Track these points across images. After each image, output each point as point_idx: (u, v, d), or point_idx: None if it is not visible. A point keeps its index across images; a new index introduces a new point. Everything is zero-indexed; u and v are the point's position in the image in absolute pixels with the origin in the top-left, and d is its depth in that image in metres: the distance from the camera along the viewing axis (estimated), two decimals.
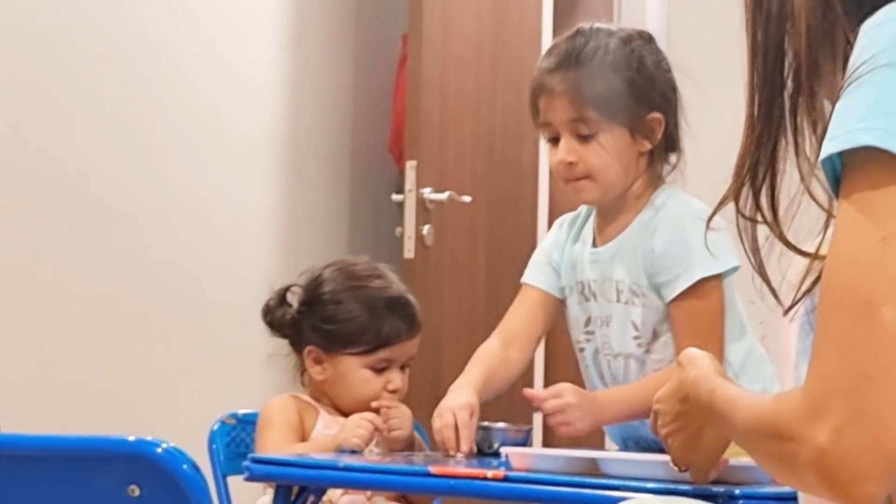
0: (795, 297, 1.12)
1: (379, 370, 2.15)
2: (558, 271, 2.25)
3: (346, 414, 2.12)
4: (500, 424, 2.10)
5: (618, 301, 2.15)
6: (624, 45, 2.15)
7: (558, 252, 2.26)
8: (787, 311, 1.16)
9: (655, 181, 2.19)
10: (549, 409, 2.07)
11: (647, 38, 2.20)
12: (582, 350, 2.23)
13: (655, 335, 2.13)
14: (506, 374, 2.22)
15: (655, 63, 2.17)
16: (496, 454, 2.01)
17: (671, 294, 2.09)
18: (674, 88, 2.19)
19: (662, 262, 2.10)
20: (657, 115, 2.15)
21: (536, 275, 2.27)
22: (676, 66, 2.20)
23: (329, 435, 2.09)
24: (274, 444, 2.06)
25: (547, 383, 4.32)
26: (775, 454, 1.05)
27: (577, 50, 2.13)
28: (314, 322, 2.17)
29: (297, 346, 2.21)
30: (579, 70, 2.12)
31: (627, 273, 2.14)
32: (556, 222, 2.33)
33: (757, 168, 1.15)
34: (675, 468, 1.50)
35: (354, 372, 2.14)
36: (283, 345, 2.24)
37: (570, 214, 2.30)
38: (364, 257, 2.31)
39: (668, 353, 2.12)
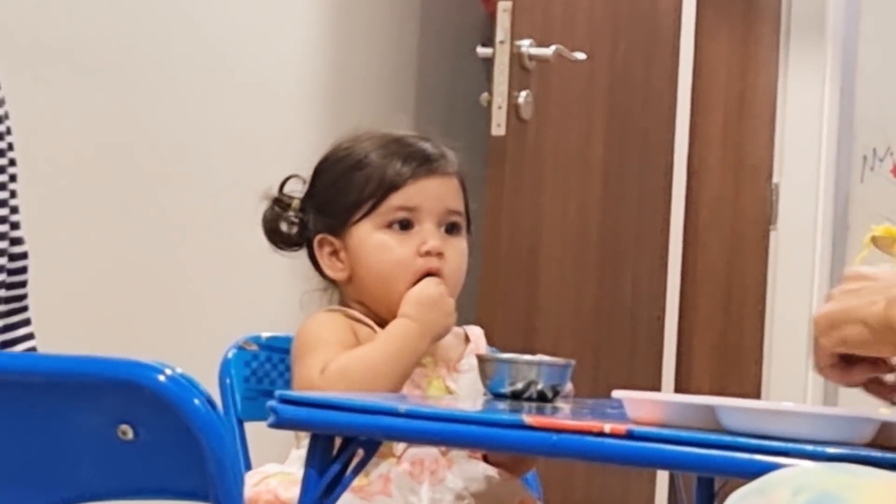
0: None
1: (402, 230, 2.12)
2: None
3: (386, 321, 2.11)
4: (527, 357, 2.00)
5: None
6: None
7: None
8: None
9: None
10: None
11: None
12: None
13: None
14: None
15: None
16: (543, 398, 1.98)
17: None
18: None
19: None
20: None
21: None
22: None
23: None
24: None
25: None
26: None
27: None
28: (316, 206, 2.19)
29: (310, 250, 2.21)
30: None
31: None
32: None
33: None
34: None
35: (368, 240, 2.13)
36: None
37: None
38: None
39: None
